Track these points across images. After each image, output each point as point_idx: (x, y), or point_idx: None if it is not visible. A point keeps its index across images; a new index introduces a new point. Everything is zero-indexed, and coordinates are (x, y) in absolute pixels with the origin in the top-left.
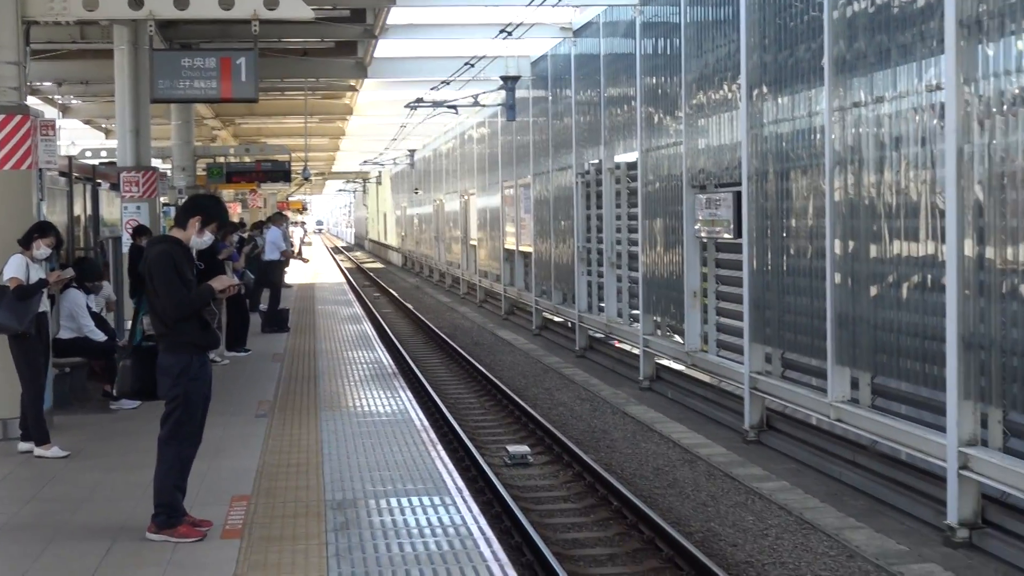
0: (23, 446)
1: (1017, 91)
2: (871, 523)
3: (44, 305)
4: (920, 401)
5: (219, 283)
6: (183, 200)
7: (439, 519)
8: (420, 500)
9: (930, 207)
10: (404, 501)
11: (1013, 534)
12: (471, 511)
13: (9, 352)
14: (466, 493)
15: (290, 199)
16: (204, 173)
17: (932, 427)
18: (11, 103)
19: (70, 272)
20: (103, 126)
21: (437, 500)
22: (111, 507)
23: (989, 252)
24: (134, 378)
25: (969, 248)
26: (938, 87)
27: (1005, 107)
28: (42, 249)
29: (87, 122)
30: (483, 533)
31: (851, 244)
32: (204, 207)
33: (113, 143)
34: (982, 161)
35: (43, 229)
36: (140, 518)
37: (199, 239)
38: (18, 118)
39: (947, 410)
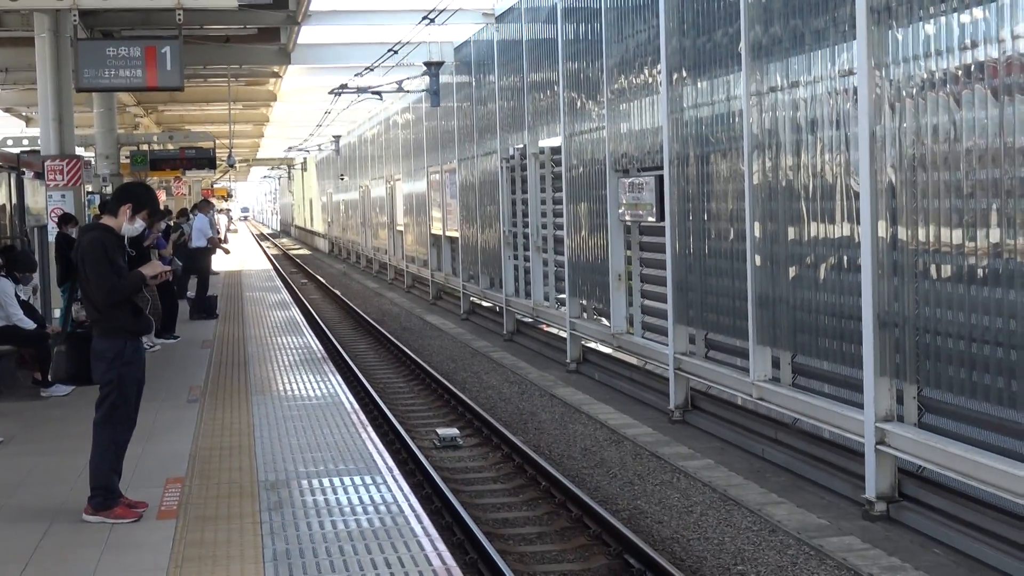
0: None
1: (926, 75)
2: (792, 498)
3: None
4: (839, 379)
5: (150, 269)
6: (107, 188)
7: (370, 497)
8: (352, 480)
9: (845, 189)
10: (336, 481)
11: (928, 506)
12: (402, 490)
13: None
14: (396, 472)
15: (214, 186)
16: (128, 161)
17: (850, 404)
18: None
19: None
20: (23, 114)
21: (368, 480)
22: (47, 491)
23: (902, 233)
24: (69, 363)
25: (882, 229)
26: (850, 72)
27: (914, 91)
28: None
29: (7, 110)
30: (413, 510)
31: (770, 226)
32: (135, 195)
33: (34, 131)
34: (894, 144)
35: None
36: (76, 501)
37: (130, 226)
38: None
39: (864, 387)
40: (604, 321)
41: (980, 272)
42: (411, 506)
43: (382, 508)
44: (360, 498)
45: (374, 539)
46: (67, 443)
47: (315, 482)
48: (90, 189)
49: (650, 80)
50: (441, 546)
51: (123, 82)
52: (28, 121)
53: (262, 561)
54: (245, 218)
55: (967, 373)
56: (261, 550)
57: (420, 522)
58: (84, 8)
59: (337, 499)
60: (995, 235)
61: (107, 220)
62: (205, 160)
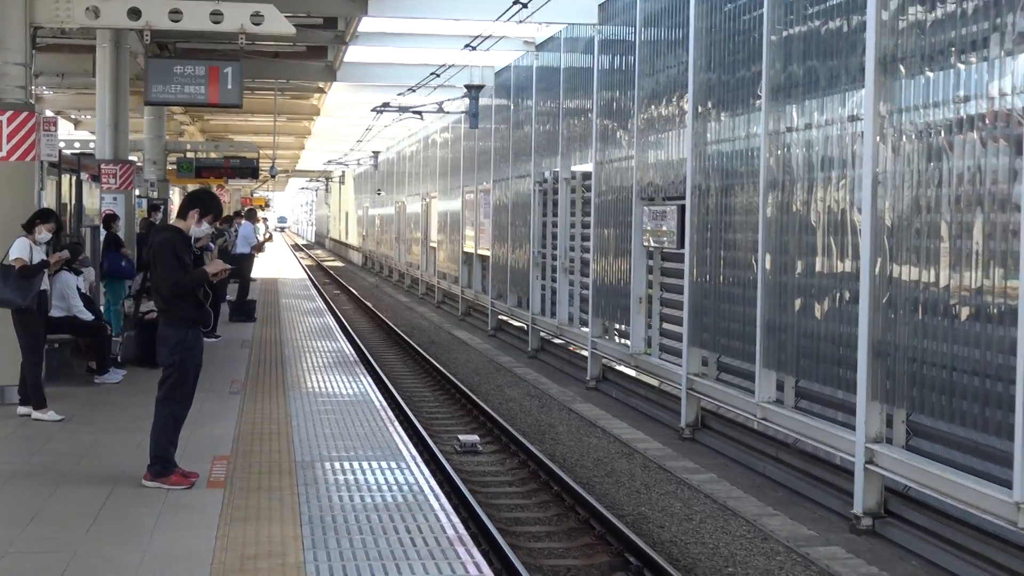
0: (22, 410)
1: (926, 123)
2: (787, 512)
3: (44, 284)
4: (836, 403)
5: (212, 267)
6: (154, 193)
7: (394, 478)
8: (378, 464)
9: (850, 226)
10: (364, 464)
11: (911, 523)
12: (423, 473)
13: (10, 325)
14: (419, 459)
15: (254, 195)
16: (174, 167)
17: (846, 426)
18: (18, 101)
19: (65, 254)
20: (73, 117)
21: (393, 464)
22: (108, 461)
23: (897, 269)
24: (136, 347)
25: (880, 265)
26: (858, 116)
27: (915, 137)
28: (43, 233)
29: (58, 112)
30: (432, 489)
31: (780, 258)
32: (203, 202)
33: (83, 134)
34: (893, 186)
35: (45, 215)
36: (135, 470)
37: (198, 229)
38: (24, 114)
39: (856, 410)
40: (624, 341)
41: (964, 308)
42: (430, 486)
43: (404, 487)
44: (385, 478)
45: (396, 510)
46: (123, 423)
47: (345, 464)
48: (138, 193)
49: (677, 113)
50: (455, 519)
51: (187, 98)
52: (77, 124)
53: (299, 523)
54: (283, 229)
55: (948, 400)
56: (298, 515)
57: (437, 499)
58: (156, 29)
59: (365, 478)
60: (977, 276)
61: (177, 223)
62: (248, 169)
